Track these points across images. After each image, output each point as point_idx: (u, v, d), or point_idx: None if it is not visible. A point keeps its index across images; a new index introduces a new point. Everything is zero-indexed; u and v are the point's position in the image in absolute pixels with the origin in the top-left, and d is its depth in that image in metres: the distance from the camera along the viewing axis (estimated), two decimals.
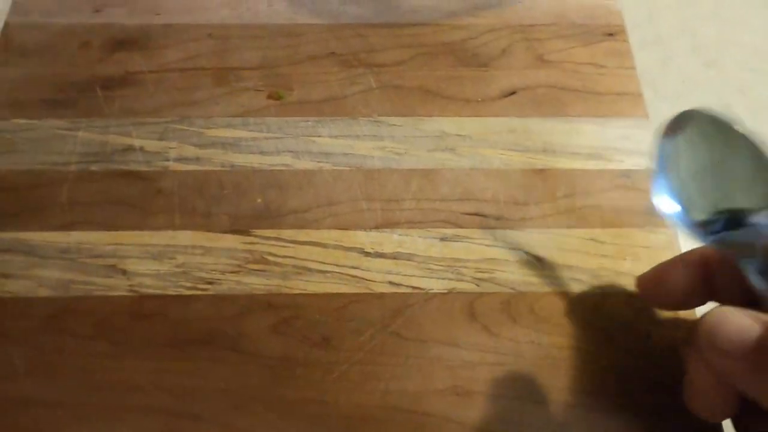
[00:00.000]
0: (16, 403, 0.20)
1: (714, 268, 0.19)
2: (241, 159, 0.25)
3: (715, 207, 0.17)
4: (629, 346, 0.22)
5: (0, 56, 0.27)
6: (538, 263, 0.23)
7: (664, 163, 0.19)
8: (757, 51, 0.32)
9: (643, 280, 0.21)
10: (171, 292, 0.22)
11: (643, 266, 0.22)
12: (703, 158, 0.18)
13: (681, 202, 0.18)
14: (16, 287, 0.22)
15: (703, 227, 0.18)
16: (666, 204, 0.18)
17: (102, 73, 0.27)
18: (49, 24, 0.28)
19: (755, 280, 0.16)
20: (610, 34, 0.28)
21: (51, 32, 0.27)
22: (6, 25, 0.28)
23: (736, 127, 0.17)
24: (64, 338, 0.21)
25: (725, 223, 0.17)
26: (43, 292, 0.22)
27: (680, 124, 0.18)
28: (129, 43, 0.27)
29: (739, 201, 0.17)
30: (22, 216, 0.23)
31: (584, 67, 0.27)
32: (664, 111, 0.30)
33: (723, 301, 0.18)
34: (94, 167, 0.24)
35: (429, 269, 0.23)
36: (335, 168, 0.25)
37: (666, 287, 0.20)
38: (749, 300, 0.17)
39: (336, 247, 0.23)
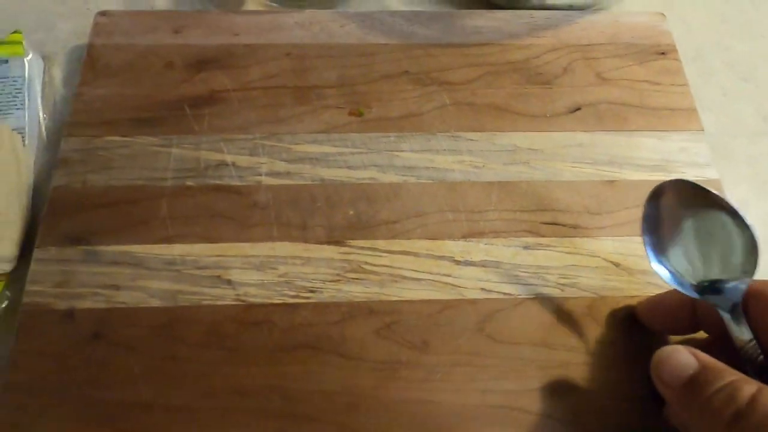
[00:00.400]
0: (136, 408, 0.21)
1: (702, 305, 0.21)
2: (329, 173, 0.26)
3: (697, 276, 0.21)
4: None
5: (87, 76, 0.28)
6: (615, 269, 0.25)
7: (651, 227, 0.22)
8: None
9: (640, 306, 0.24)
10: (276, 300, 0.23)
11: None
12: (685, 224, 0.21)
13: (668, 267, 0.21)
14: (127, 298, 0.23)
15: (691, 288, 0.21)
16: (658, 268, 0.22)
17: (188, 91, 0.28)
18: (131, 45, 0.29)
19: (731, 327, 0.20)
20: (663, 53, 0.30)
21: (134, 53, 0.29)
22: (90, 46, 0.29)
23: (713, 195, 0.20)
24: (177, 346, 0.22)
25: (708, 285, 0.20)
26: (154, 303, 0.23)
27: (663, 191, 0.21)
28: (211, 62, 0.29)
29: (718, 271, 0.20)
30: (126, 230, 0.24)
31: (641, 84, 0.29)
32: (710, 122, 0.33)
33: (707, 330, 0.22)
34: (189, 182, 0.26)
35: (516, 276, 0.24)
36: (419, 181, 0.26)
37: (658, 316, 0.23)
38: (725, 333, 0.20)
39: (428, 256, 0.24)
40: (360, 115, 0.28)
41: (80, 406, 0.21)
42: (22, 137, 0.29)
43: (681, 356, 0.19)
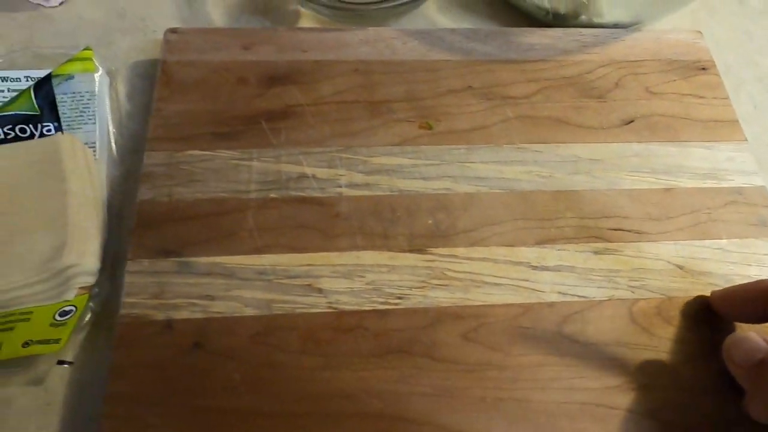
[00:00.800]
0: (238, 414, 0.22)
1: None
2: (406, 184, 0.27)
3: None
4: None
5: (163, 92, 0.29)
6: (679, 271, 0.26)
7: None
8: None
9: (715, 294, 0.26)
10: (367, 307, 0.24)
11: (767, 271, 0.25)
12: None
13: None
14: (223, 308, 0.24)
15: None
16: None
17: (263, 106, 0.29)
18: (203, 61, 0.30)
19: None
20: (703, 68, 0.32)
21: (207, 69, 0.29)
22: (164, 62, 0.29)
23: None
24: (275, 353, 0.23)
25: None
26: (249, 312, 0.24)
27: None
28: (283, 78, 0.30)
29: None
30: (215, 241, 0.25)
31: (686, 97, 0.31)
32: (746, 132, 0.35)
33: None
34: (273, 194, 0.26)
35: (589, 279, 0.26)
36: (491, 191, 0.27)
37: (736, 305, 0.25)
38: None
39: (505, 262, 0.26)
40: (430, 128, 0.29)
41: (184, 415, 0.22)
42: (93, 151, 0.30)
43: (752, 341, 0.22)
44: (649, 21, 0.36)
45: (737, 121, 0.31)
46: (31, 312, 0.25)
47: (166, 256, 0.25)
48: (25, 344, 0.24)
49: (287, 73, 0.30)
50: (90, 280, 0.27)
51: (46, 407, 0.25)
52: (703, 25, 0.37)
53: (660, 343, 0.25)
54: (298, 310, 0.24)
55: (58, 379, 0.25)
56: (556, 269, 0.26)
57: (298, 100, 0.29)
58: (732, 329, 0.25)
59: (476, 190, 0.27)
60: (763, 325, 0.25)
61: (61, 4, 0.36)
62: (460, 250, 0.26)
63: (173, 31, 0.31)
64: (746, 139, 0.30)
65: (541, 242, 0.26)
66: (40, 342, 0.24)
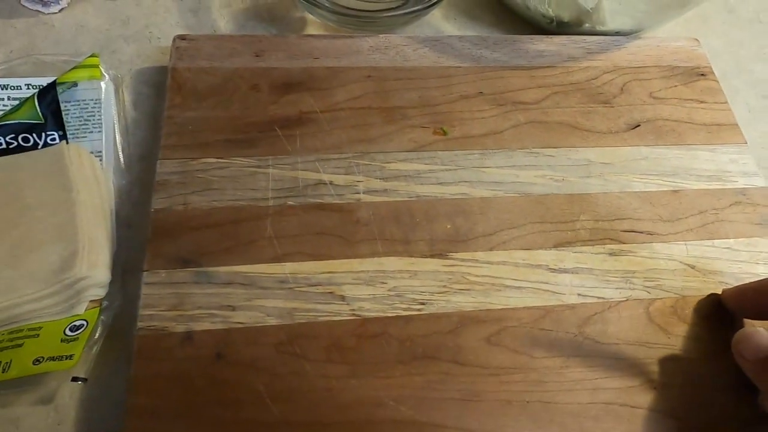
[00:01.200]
0: (266, 426, 0.21)
1: None
2: (424, 189, 0.27)
3: None
4: None
5: (175, 99, 0.28)
6: (692, 270, 0.27)
7: None
8: None
9: (726, 292, 0.26)
10: (390, 313, 0.24)
11: None
12: None
13: None
14: (244, 318, 0.23)
15: None
16: None
17: (277, 113, 0.28)
18: (214, 68, 0.29)
19: None
20: (703, 75, 0.33)
21: (219, 76, 0.29)
22: (173, 69, 0.29)
23: None
24: (300, 362, 0.23)
25: None
26: (271, 321, 0.23)
27: None
28: (296, 85, 0.29)
29: None
30: (234, 250, 0.25)
31: (688, 102, 0.32)
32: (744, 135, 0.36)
33: None
34: (291, 201, 0.26)
35: (607, 281, 0.26)
36: (507, 195, 0.28)
37: (747, 302, 0.26)
38: None
39: (525, 265, 0.26)
40: (444, 134, 0.29)
41: (208, 427, 0.21)
42: (100, 160, 0.29)
43: (761, 336, 0.23)
44: (649, 29, 0.37)
45: (737, 124, 0.32)
46: (41, 327, 0.24)
47: (184, 266, 0.24)
48: (36, 361, 0.23)
49: (300, 79, 0.30)
50: (100, 292, 0.26)
51: (57, 427, 0.24)
52: (697, 34, 0.39)
53: (677, 342, 0.25)
54: (321, 318, 0.24)
55: (69, 397, 0.24)
56: (575, 271, 0.26)
57: (312, 107, 0.29)
58: (755, 323, 0.26)
59: (493, 194, 0.28)
60: None
61: (61, 11, 0.35)
62: (480, 255, 0.26)
63: (182, 37, 0.30)
64: (746, 142, 0.32)
65: (558, 245, 0.27)
66: (52, 359, 0.23)
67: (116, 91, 0.31)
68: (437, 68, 0.31)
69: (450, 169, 0.28)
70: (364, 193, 0.27)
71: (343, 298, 0.24)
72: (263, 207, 0.26)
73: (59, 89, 0.30)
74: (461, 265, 0.26)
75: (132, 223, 0.28)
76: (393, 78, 0.31)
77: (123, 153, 0.30)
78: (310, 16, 0.36)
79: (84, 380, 0.23)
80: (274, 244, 0.25)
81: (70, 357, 0.23)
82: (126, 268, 0.27)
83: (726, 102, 0.33)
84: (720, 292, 0.27)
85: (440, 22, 0.38)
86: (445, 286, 0.25)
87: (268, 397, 0.22)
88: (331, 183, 0.27)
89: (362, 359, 0.23)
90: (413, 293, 0.25)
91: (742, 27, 0.41)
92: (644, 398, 0.24)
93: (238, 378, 0.22)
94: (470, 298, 0.25)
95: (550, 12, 0.34)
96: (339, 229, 0.26)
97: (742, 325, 0.26)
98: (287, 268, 0.24)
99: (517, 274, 0.26)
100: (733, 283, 0.27)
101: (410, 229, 0.26)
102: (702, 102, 0.33)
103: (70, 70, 0.30)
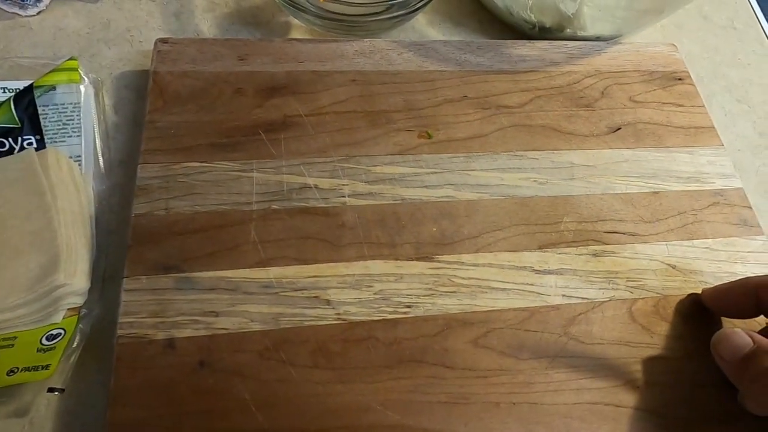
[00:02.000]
0: None
1: (765, 293, 0.25)
2: (409, 192, 0.27)
3: None
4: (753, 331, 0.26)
5: (156, 103, 0.28)
6: (673, 270, 0.27)
7: None
8: None
9: (706, 292, 0.27)
10: (376, 317, 0.24)
11: (752, 268, 0.27)
12: None
13: None
14: (228, 324, 0.23)
15: None
16: None
17: (262, 117, 0.28)
18: (197, 72, 0.29)
19: None
20: (680, 79, 0.34)
21: (202, 80, 0.29)
22: (155, 73, 0.29)
23: None
24: (285, 368, 0.22)
25: None
26: (256, 327, 0.23)
27: None
28: (281, 89, 0.29)
29: None
30: (217, 255, 0.24)
31: (667, 106, 0.33)
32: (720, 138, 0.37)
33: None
34: (275, 206, 0.26)
35: (590, 281, 0.26)
36: (492, 197, 0.28)
37: (724, 301, 0.26)
38: None
39: (510, 267, 0.26)
40: (429, 137, 0.29)
41: None
42: (79, 165, 0.29)
43: (738, 336, 0.23)
44: (628, 34, 0.38)
45: (713, 127, 0.33)
46: (15, 337, 0.24)
47: (166, 272, 0.23)
48: (11, 372, 0.22)
49: (285, 83, 0.30)
50: (79, 300, 0.25)
51: None
52: (673, 40, 0.40)
53: (660, 341, 0.25)
54: (307, 323, 0.23)
55: (46, 409, 0.23)
56: (559, 272, 0.26)
57: (297, 111, 0.29)
58: (723, 326, 0.26)
59: (478, 197, 0.28)
60: (751, 320, 0.26)
61: (39, 13, 0.34)
62: (466, 257, 0.26)
63: (164, 41, 0.30)
64: (723, 145, 0.32)
65: (542, 246, 0.27)
66: (27, 369, 0.22)
67: (96, 95, 0.31)
68: (422, 72, 0.32)
69: (435, 173, 0.28)
70: (349, 196, 0.27)
71: (328, 302, 0.24)
72: (247, 211, 0.26)
73: (37, 93, 0.29)
74: (447, 268, 0.26)
75: (112, 230, 0.28)
76: (378, 82, 0.31)
77: (103, 158, 0.30)
78: (294, 21, 0.36)
79: (61, 391, 0.23)
80: (258, 248, 0.25)
81: (47, 367, 0.23)
82: (106, 276, 0.27)
83: (703, 105, 0.34)
84: (700, 292, 0.27)
85: (425, 27, 0.38)
86: (431, 289, 0.25)
87: (253, 405, 0.21)
88: (316, 187, 0.27)
89: (348, 364, 0.23)
90: (399, 296, 0.25)
91: (715, 33, 0.42)
92: (628, 397, 0.24)
93: (223, 386, 0.22)
94: (456, 301, 0.25)
95: (533, 18, 0.35)
96: (324, 233, 0.26)
97: (721, 325, 0.27)
98: (272, 272, 0.24)
99: (502, 276, 0.26)
100: (713, 282, 0.27)
101: (396, 233, 0.26)
102: (680, 105, 0.33)
103: (48, 73, 0.29)
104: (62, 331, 0.24)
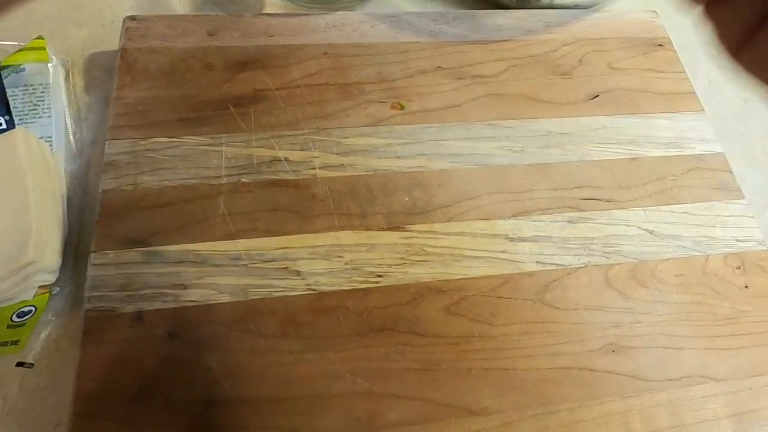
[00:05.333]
0: (221, 404, 0.21)
1: None
2: (381, 163, 0.27)
3: None
4: (732, 295, 0.26)
5: (125, 79, 0.27)
6: (650, 235, 0.27)
7: None
8: None
9: None
10: (346, 287, 0.24)
11: (731, 231, 0.27)
12: None
13: None
14: (197, 296, 0.23)
15: None
16: None
17: (231, 91, 0.28)
18: (166, 48, 0.29)
19: None
20: (660, 45, 0.34)
21: (171, 56, 0.28)
22: (123, 50, 0.28)
23: None
24: (254, 339, 0.22)
25: None
26: (224, 298, 0.23)
27: None
28: (251, 63, 0.29)
29: None
30: (185, 229, 0.24)
31: (647, 72, 0.32)
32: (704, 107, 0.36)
33: None
34: (245, 179, 0.26)
35: (566, 248, 0.26)
36: (466, 167, 0.27)
37: None
38: None
39: (483, 235, 0.26)
40: (402, 108, 0.29)
41: (162, 409, 0.21)
42: (50, 145, 0.29)
43: None
44: (607, 2, 0.37)
45: (694, 93, 0.32)
46: None
47: (133, 246, 0.23)
48: None
49: (255, 57, 0.29)
50: (50, 278, 0.25)
51: (5, 416, 0.23)
52: (657, 7, 0.39)
53: (636, 305, 0.25)
54: (276, 294, 0.23)
55: (18, 386, 0.24)
56: (534, 240, 0.26)
57: (267, 85, 0.28)
58: (699, 291, 0.26)
59: (451, 166, 0.27)
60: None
61: None
62: (438, 226, 0.26)
63: (132, 18, 0.29)
64: (704, 110, 0.32)
65: (517, 214, 0.27)
66: None
67: (67, 75, 0.31)
68: (395, 44, 0.31)
69: (408, 143, 0.28)
70: (320, 168, 0.26)
71: (298, 273, 0.24)
72: (216, 185, 0.25)
73: (4, 73, 0.29)
74: (419, 237, 0.25)
75: (85, 208, 0.28)
76: (350, 54, 0.30)
77: (75, 137, 0.29)
78: None
79: (30, 365, 0.23)
80: (227, 221, 0.24)
81: (16, 342, 0.23)
82: (79, 254, 0.27)
83: (684, 71, 0.33)
84: (680, 255, 0.27)
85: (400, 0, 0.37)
86: (402, 258, 0.25)
87: (220, 375, 0.21)
88: (286, 159, 0.26)
89: (318, 333, 0.23)
90: (370, 266, 0.24)
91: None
92: (603, 361, 0.24)
93: (191, 357, 0.22)
94: (428, 269, 0.25)
95: None
96: (294, 205, 0.25)
97: (701, 290, 0.26)
98: (240, 245, 0.24)
99: (475, 244, 0.26)
100: (691, 246, 0.27)
101: (368, 203, 0.26)
102: (660, 72, 0.33)
103: (14, 53, 0.29)
104: (33, 309, 0.24)
